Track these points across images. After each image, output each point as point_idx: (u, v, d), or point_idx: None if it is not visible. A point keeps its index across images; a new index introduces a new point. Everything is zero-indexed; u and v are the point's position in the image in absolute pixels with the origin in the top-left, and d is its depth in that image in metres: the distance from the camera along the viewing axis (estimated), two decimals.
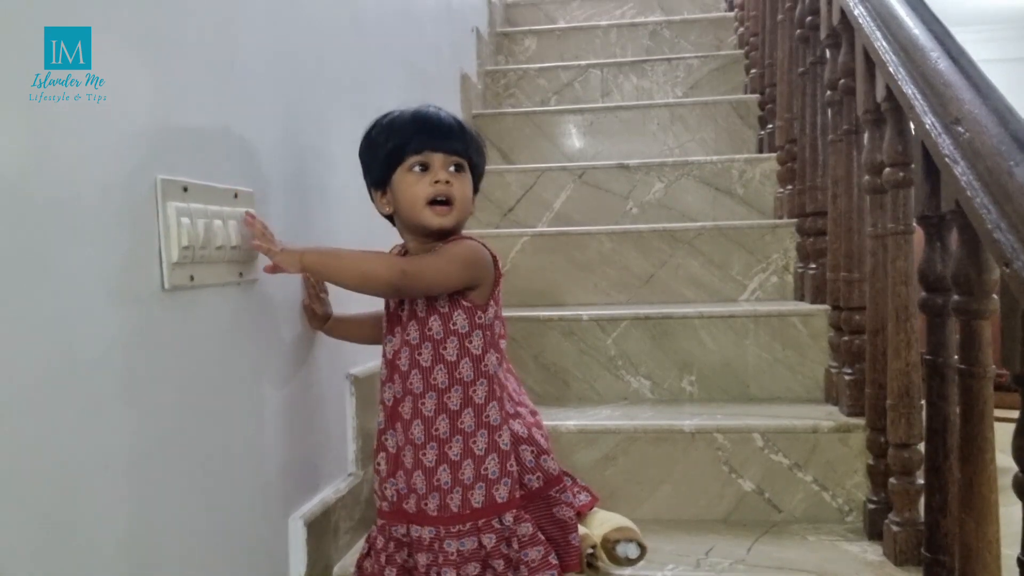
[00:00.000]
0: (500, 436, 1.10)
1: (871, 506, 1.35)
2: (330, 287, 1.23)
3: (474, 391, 1.09)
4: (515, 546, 1.08)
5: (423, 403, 1.09)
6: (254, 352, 1.08)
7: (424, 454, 1.09)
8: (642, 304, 1.87)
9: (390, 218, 1.18)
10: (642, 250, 1.92)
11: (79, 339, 0.75)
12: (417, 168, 1.10)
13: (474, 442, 1.09)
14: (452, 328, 1.09)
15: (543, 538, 1.11)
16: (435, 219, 1.10)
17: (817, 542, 1.34)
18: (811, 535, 1.37)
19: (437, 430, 1.09)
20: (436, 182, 1.09)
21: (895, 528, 1.23)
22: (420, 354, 1.09)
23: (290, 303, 1.19)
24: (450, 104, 2.36)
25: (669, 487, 1.46)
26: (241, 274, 1.03)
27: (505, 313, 1.74)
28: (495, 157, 2.51)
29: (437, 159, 1.10)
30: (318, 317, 1.23)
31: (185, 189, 0.90)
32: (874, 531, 1.33)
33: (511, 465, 1.10)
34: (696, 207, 2.13)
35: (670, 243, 1.91)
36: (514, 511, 1.09)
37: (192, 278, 0.91)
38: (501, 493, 1.09)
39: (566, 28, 3.13)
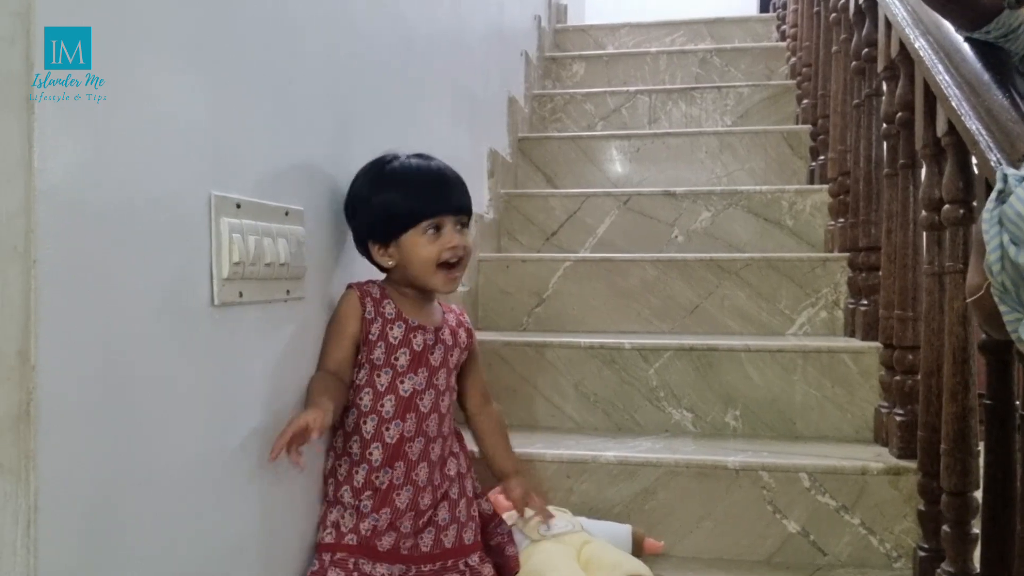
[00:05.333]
0: (467, 483, 1.20)
1: (922, 554, 1.30)
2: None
3: (457, 442, 1.22)
4: None
5: (433, 447, 1.15)
6: (299, 369, 1.08)
7: (422, 497, 1.13)
8: (686, 335, 1.84)
9: (382, 267, 1.18)
10: (687, 279, 1.89)
11: (129, 353, 0.75)
12: (431, 231, 1.14)
13: (453, 488, 1.17)
14: (458, 387, 1.24)
15: None
16: (446, 286, 1.16)
17: None
18: None
19: (434, 476, 1.15)
20: (453, 246, 1.14)
21: None
22: (443, 400, 1.17)
23: None
24: (497, 127, 2.37)
25: (710, 524, 1.42)
26: (288, 291, 1.03)
27: (546, 338, 1.74)
28: (539, 181, 2.50)
29: (449, 221, 1.14)
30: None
31: (238, 206, 0.91)
32: None
33: (474, 510, 1.20)
34: (744, 237, 2.10)
35: (716, 273, 1.88)
36: (479, 552, 1.17)
37: (241, 294, 0.91)
38: (468, 536, 1.17)
39: (614, 54, 3.13)
